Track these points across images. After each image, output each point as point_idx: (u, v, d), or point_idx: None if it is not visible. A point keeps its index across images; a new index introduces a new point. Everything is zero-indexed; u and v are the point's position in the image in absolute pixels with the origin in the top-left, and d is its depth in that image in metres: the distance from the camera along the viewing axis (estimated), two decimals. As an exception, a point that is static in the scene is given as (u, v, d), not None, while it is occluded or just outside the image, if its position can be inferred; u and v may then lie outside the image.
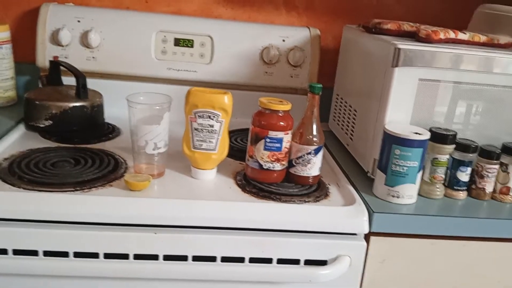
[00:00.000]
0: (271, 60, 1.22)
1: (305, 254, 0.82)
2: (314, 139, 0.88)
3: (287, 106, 0.87)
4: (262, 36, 1.23)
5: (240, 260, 0.82)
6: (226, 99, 0.87)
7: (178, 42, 1.21)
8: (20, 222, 0.78)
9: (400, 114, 0.90)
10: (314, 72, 1.25)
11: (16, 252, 0.78)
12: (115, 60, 1.19)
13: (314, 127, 0.88)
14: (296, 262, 0.83)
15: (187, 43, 1.21)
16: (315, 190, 0.89)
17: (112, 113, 1.14)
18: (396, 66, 0.87)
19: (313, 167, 0.89)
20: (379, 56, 0.93)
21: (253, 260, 0.82)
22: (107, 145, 1.03)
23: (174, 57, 1.21)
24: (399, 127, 0.85)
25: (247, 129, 1.13)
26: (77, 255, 0.79)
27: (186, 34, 1.21)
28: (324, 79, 1.23)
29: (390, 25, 0.98)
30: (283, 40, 1.23)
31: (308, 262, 0.83)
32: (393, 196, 0.85)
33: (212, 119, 0.87)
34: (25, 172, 0.85)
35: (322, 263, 0.83)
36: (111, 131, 1.10)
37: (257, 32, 1.23)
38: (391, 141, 0.84)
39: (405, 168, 0.83)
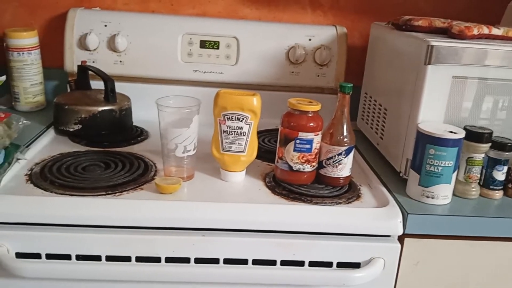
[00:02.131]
0: (298, 60, 1.21)
1: (338, 257, 0.81)
2: (345, 139, 0.86)
3: (316, 107, 0.85)
4: (288, 35, 1.22)
5: (272, 263, 0.81)
6: (255, 100, 0.86)
7: (204, 44, 1.21)
8: (53, 227, 0.78)
9: (433, 113, 0.87)
10: (341, 71, 1.23)
11: (49, 256, 0.79)
12: (142, 64, 1.20)
13: (345, 127, 0.87)
14: (328, 265, 0.81)
15: (213, 44, 1.21)
16: (346, 192, 0.88)
17: (140, 116, 1.14)
18: (429, 63, 0.85)
19: (344, 168, 0.88)
20: (411, 54, 0.91)
21: (284, 263, 0.81)
22: (136, 148, 1.03)
23: (200, 59, 1.21)
24: (433, 126, 0.83)
25: (274, 130, 1.14)
26: (110, 258, 0.79)
27: (211, 36, 1.21)
28: (351, 77, 1.21)
29: (421, 22, 0.96)
30: (309, 39, 1.22)
31: (341, 265, 0.81)
32: (427, 197, 0.83)
33: (241, 121, 0.87)
34: (57, 177, 0.86)
35: (355, 265, 0.81)
36: (139, 134, 1.11)
37: (282, 32, 1.22)
38: (425, 140, 0.82)
39: (440, 168, 0.81)
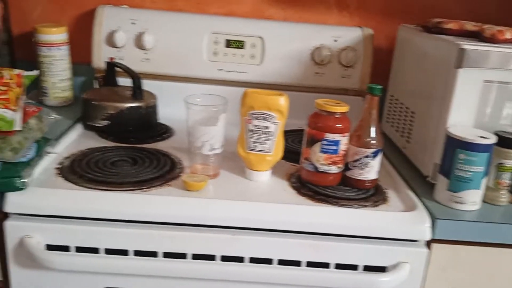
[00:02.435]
0: (323, 61, 1.21)
1: (364, 260, 0.81)
2: (372, 142, 0.86)
3: (344, 108, 0.85)
4: (314, 36, 1.22)
5: (297, 263, 0.81)
6: (282, 100, 0.86)
7: (229, 44, 1.21)
8: (83, 220, 0.80)
9: (463, 117, 0.86)
10: (367, 72, 1.23)
11: (78, 249, 0.80)
12: (168, 62, 1.21)
13: (373, 129, 0.86)
14: (354, 267, 0.81)
15: (238, 44, 1.21)
16: (373, 195, 0.88)
17: (164, 114, 1.16)
18: (460, 67, 0.84)
19: (371, 170, 0.87)
20: (440, 57, 0.91)
21: (310, 264, 0.81)
22: (161, 145, 1.04)
23: (225, 58, 1.21)
24: (463, 131, 0.82)
25: (298, 130, 1.14)
26: (137, 253, 0.80)
27: (237, 36, 1.21)
28: (376, 79, 1.20)
29: (451, 25, 0.95)
30: (335, 40, 1.22)
31: (367, 268, 0.81)
32: (456, 202, 0.82)
33: (268, 121, 0.87)
34: (86, 171, 0.87)
35: (381, 269, 0.81)
36: (165, 132, 1.12)
37: (308, 33, 1.22)
38: (455, 145, 0.81)
39: (469, 173, 0.80)
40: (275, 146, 0.88)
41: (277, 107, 0.86)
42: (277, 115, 0.86)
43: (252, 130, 0.88)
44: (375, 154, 0.86)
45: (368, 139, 0.86)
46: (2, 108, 0.76)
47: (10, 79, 0.81)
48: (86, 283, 0.82)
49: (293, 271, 0.80)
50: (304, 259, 0.81)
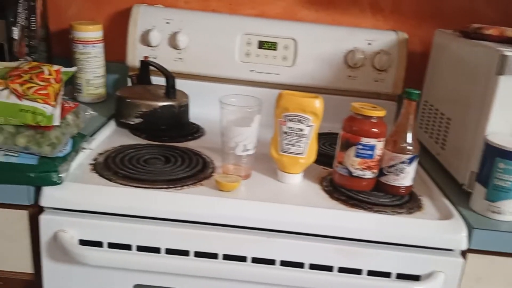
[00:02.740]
0: (356, 64, 1.20)
1: (397, 268, 0.80)
2: (409, 147, 0.85)
3: (381, 112, 0.84)
4: (347, 39, 1.21)
5: (329, 268, 0.80)
6: (318, 103, 0.86)
7: (262, 45, 1.21)
8: (116, 216, 0.80)
9: (503, 125, 0.84)
10: (400, 77, 1.21)
11: (111, 245, 0.81)
12: (201, 62, 1.21)
13: (409, 135, 0.85)
14: (387, 275, 0.80)
15: (271, 45, 1.21)
16: (407, 201, 0.86)
17: (195, 113, 1.16)
18: (501, 74, 0.82)
19: (406, 177, 0.86)
20: (480, 63, 0.89)
21: (342, 269, 0.80)
22: (193, 144, 1.04)
23: (257, 60, 1.21)
24: (504, 139, 0.80)
25: (329, 133, 1.13)
26: (168, 251, 0.80)
27: (270, 37, 1.21)
28: (410, 84, 1.18)
29: (492, 31, 0.93)
30: (369, 44, 1.20)
31: (400, 276, 0.80)
32: (493, 212, 0.80)
33: (302, 123, 0.86)
34: (120, 168, 0.88)
35: (415, 278, 0.80)
36: (196, 131, 1.12)
37: (341, 35, 1.21)
38: (495, 153, 0.79)
39: (508, 182, 0.78)
40: (308, 149, 0.88)
41: (312, 110, 0.85)
42: (312, 118, 0.86)
43: (286, 132, 0.87)
44: (411, 160, 0.85)
45: (405, 145, 0.85)
46: (42, 103, 0.78)
47: (50, 74, 0.82)
48: (117, 279, 0.83)
49: (325, 276, 0.79)
50: (336, 265, 0.80)
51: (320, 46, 1.20)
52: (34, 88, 0.78)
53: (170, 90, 1.09)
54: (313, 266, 0.80)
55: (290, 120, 0.86)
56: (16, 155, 0.77)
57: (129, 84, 1.20)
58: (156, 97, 1.09)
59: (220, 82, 1.22)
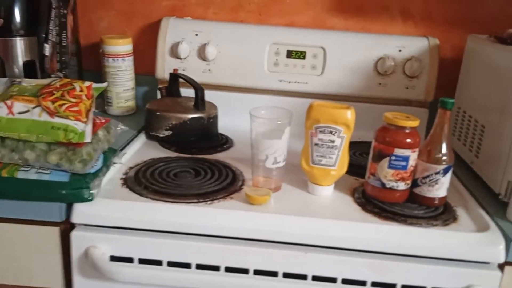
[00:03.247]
0: (386, 71, 1.17)
1: (433, 282, 0.77)
2: (444, 158, 0.82)
3: (415, 122, 0.82)
4: (377, 46, 1.19)
5: (362, 283, 0.78)
6: (349, 114, 0.84)
7: (290, 54, 1.20)
8: (147, 232, 0.81)
9: (543, 133, 0.81)
10: (432, 83, 1.18)
11: (142, 261, 0.81)
12: (229, 73, 1.21)
13: (444, 145, 0.82)
14: (422, 289, 0.78)
15: (299, 55, 1.20)
16: (442, 213, 0.84)
17: (224, 124, 1.16)
18: (541, 80, 0.79)
19: (441, 187, 0.83)
20: (518, 69, 0.85)
21: (375, 284, 0.78)
22: (221, 156, 1.04)
23: (286, 69, 1.21)
24: (545, 149, 0.77)
25: (360, 142, 1.11)
26: (199, 267, 0.80)
27: (298, 46, 1.20)
28: (442, 91, 1.16)
29: (529, 35, 0.90)
30: (399, 50, 1.18)
31: (436, 291, 0.77)
32: (534, 224, 0.77)
33: (334, 135, 0.85)
34: (151, 182, 0.88)
35: (452, 292, 0.77)
36: (225, 142, 1.12)
37: (371, 43, 1.19)
38: (536, 163, 0.76)
39: (551, 194, 0.75)
40: (340, 160, 0.86)
41: (343, 121, 0.84)
42: (343, 129, 0.84)
43: (317, 144, 0.86)
44: (445, 171, 0.82)
45: (439, 155, 0.82)
46: (73, 120, 0.79)
47: (81, 91, 0.83)
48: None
49: (358, 291, 0.78)
50: (369, 279, 0.78)
51: (350, 54, 1.19)
52: (66, 105, 0.79)
53: (199, 102, 1.09)
54: (346, 281, 0.78)
55: (321, 132, 0.85)
56: (48, 172, 0.78)
57: (159, 96, 1.21)
58: (185, 109, 1.09)
59: (249, 92, 1.22)
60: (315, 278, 0.78)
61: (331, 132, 0.85)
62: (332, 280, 0.78)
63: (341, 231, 0.79)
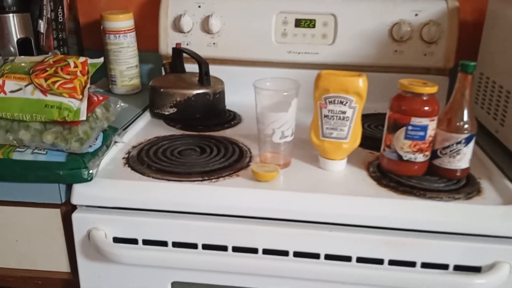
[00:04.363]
0: (402, 37, 1.10)
1: (456, 259, 0.72)
2: (465, 126, 0.76)
3: (433, 89, 0.76)
4: (392, 11, 1.11)
5: (379, 262, 0.73)
6: (361, 82, 0.78)
7: (299, 23, 1.14)
8: (150, 212, 0.77)
9: None
10: (452, 49, 1.10)
11: (146, 242, 0.78)
12: (235, 46, 1.16)
13: (466, 112, 0.76)
14: (444, 267, 0.72)
15: (309, 23, 1.13)
16: (464, 186, 0.78)
17: (231, 100, 1.11)
18: None
19: (463, 158, 0.77)
20: (547, 26, 0.78)
21: (393, 262, 0.73)
22: (229, 133, 1.00)
23: (294, 39, 1.14)
24: None
25: (375, 114, 1.05)
26: (206, 247, 0.76)
27: (307, 14, 1.13)
28: (463, 56, 1.07)
29: (559, -12, 0.81)
30: (416, 15, 1.10)
31: (459, 268, 0.72)
32: None
33: (345, 105, 0.79)
34: (154, 161, 0.84)
35: (476, 269, 0.72)
36: (232, 118, 1.07)
37: (385, 7, 1.12)
38: None
39: None
40: (352, 133, 0.80)
41: (355, 90, 0.78)
42: (355, 98, 0.78)
43: (327, 116, 0.80)
44: (468, 140, 0.76)
45: (461, 123, 0.76)
46: (68, 97, 0.75)
47: (76, 67, 0.79)
48: (155, 276, 0.80)
49: (374, 270, 0.73)
50: (386, 257, 0.73)
51: (363, 20, 1.12)
52: (59, 82, 0.75)
53: (204, 77, 1.04)
54: (361, 259, 0.73)
55: (331, 102, 0.79)
56: (44, 152, 0.75)
57: (163, 73, 1.16)
58: (189, 85, 1.05)
59: (256, 65, 1.17)
60: (328, 257, 0.74)
61: (341, 102, 0.79)
62: (347, 258, 0.74)
63: (356, 207, 0.74)
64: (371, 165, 0.84)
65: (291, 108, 0.81)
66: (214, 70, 1.09)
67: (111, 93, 1.19)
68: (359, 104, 0.79)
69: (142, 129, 1.01)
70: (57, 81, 0.75)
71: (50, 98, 0.74)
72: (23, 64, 0.79)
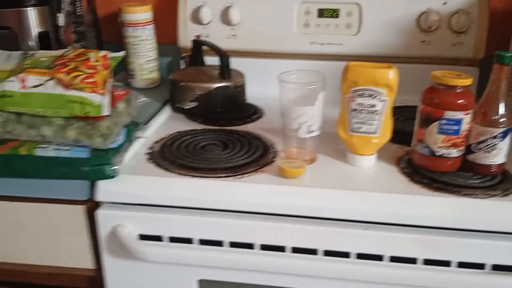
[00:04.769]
0: (430, 27, 1.06)
1: (493, 258, 0.69)
2: (502, 119, 0.73)
3: (467, 80, 0.72)
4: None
5: (412, 261, 0.71)
6: (392, 74, 0.75)
7: (322, 13, 1.10)
8: (175, 209, 0.75)
9: None
10: (482, 38, 1.06)
11: (171, 239, 0.76)
12: (256, 37, 1.13)
13: (502, 105, 0.73)
14: (480, 267, 0.69)
15: (332, 13, 1.10)
16: (501, 182, 0.74)
17: (252, 93, 1.08)
18: None
19: (499, 153, 0.74)
20: None
21: (427, 262, 0.70)
22: (251, 127, 0.97)
23: (317, 30, 1.11)
24: None
25: (403, 107, 1.01)
26: (233, 244, 0.74)
27: (330, 3, 1.10)
28: (493, 47, 1.03)
29: None
30: (444, 3, 1.06)
31: (497, 268, 0.69)
32: None
33: (374, 98, 0.76)
34: (177, 156, 0.82)
35: (515, 270, 0.69)
36: (254, 112, 1.04)
37: (412, -4, 1.08)
38: None
39: None
40: (382, 127, 0.77)
41: (385, 82, 0.75)
42: (386, 91, 0.75)
43: (355, 109, 0.77)
44: (504, 134, 0.73)
45: (497, 117, 0.73)
46: (90, 92, 0.73)
47: (96, 61, 0.77)
48: (181, 274, 0.78)
49: (407, 270, 0.70)
50: (420, 256, 0.70)
51: (388, 9, 1.08)
52: (81, 76, 0.73)
53: (225, 70, 1.01)
54: (394, 259, 0.71)
55: (360, 96, 0.76)
56: (67, 148, 0.73)
57: (182, 66, 1.14)
58: (210, 78, 1.02)
59: (278, 57, 1.13)
60: (359, 256, 0.71)
61: (371, 96, 0.76)
62: (378, 257, 0.71)
63: (387, 204, 0.71)
64: (402, 161, 0.81)
65: (318, 102, 0.78)
66: (234, 63, 1.07)
67: (130, 87, 1.17)
68: (389, 97, 0.76)
69: (163, 123, 0.99)
70: (78, 75, 0.73)
71: (72, 93, 0.72)
72: (43, 59, 0.77)
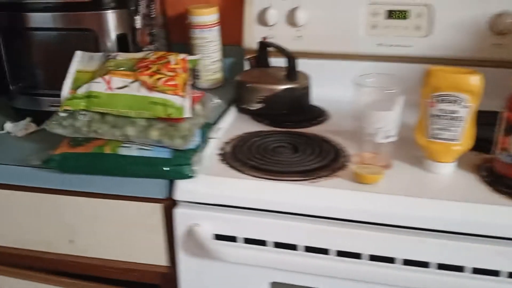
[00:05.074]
0: (503, 30, 1.03)
1: None
2: None
3: (558, 87, 0.69)
4: (491, 1, 1.03)
5: (494, 273, 0.68)
6: (476, 80, 0.73)
7: (390, 15, 1.08)
8: (250, 210, 0.76)
9: None
10: (559, 42, 1.02)
11: (246, 240, 0.77)
12: (321, 38, 1.12)
13: None
14: None
15: (401, 14, 1.08)
16: None
17: (317, 95, 1.07)
18: None
19: None
20: None
21: (511, 275, 0.68)
22: (317, 130, 0.96)
23: (385, 32, 1.09)
24: None
25: (483, 112, 0.98)
26: (308, 249, 0.74)
27: (399, 5, 1.08)
28: None
29: None
30: (520, 5, 1.02)
31: None
32: None
33: (457, 104, 0.74)
34: (249, 158, 0.83)
35: None
36: (320, 115, 1.04)
37: (485, -3, 1.04)
38: None
39: None
40: (464, 134, 0.75)
41: (469, 88, 0.73)
42: (469, 97, 0.73)
43: (436, 115, 0.76)
44: None
45: None
46: (172, 94, 0.74)
47: (176, 64, 0.78)
48: (254, 275, 0.79)
49: (491, 282, 0.68)
50: (504, 269, 0.68)
51: (460, 11, 1.04)
52: (163, 79, 0.75)
53: (291, 72, 1.01)
54: (477, 270, 0.69)
55: (442, 101, 0.75)
56: (149, 148, 0.75)
57: (246, 67, 1.15)
58: (277, 80, 1.02)
59: (344, 59, 1.12)
60: (440, 266, 0.70)
61: (454, 102, 0.74)
62: (459, 268, 0.69)
63: (469, 214, 0.69)
64: (482, 169, 0.79)
65: (397, 107, 0.77)
66: (299, 64, 1.06)
67: (194, 88, 1.18)
68: (473, 103, 0.74)
69: (231, 124, 0.99)
70: (161, 78, 0.75)
71: (155, 95, 0.74)
72: (124, 61, 0.79)
